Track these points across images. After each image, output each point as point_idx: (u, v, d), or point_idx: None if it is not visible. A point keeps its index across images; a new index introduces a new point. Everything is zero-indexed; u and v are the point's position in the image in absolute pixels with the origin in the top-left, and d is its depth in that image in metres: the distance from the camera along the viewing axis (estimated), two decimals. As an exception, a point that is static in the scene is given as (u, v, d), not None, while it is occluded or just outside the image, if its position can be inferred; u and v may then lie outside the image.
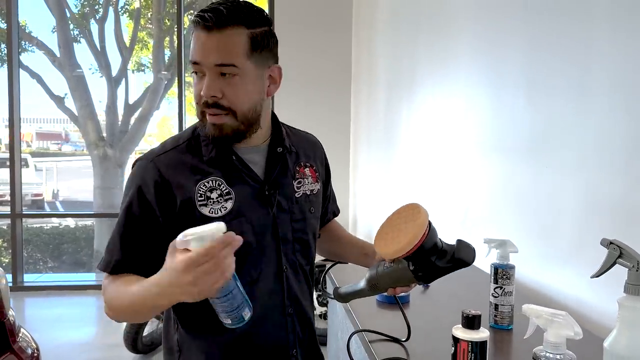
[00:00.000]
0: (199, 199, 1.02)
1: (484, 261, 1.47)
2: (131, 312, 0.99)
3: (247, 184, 1.06)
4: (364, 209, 4.34)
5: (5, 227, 6.80)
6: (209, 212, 1.02)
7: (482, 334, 0.89)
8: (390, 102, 3.56)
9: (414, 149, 3.05)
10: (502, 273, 1.34)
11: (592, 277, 0.88)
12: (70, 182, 12.60)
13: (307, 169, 1.19)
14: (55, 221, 8.44)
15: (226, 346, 1.06)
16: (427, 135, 2.81)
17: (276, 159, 1.11)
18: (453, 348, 0.87)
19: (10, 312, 2.09)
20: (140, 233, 1.03)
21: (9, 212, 4.82)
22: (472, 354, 0.88)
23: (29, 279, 5.55)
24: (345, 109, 4.83)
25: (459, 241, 1.07)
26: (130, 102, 7.12)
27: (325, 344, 1.99)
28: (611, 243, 0.86)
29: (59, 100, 6.99)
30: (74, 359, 3.45)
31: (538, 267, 1.70)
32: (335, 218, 1.39)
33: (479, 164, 2.16)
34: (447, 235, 2.48)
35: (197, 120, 1.06)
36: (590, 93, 1.46)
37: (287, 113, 4.64)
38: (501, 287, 1.38)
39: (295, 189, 1.14)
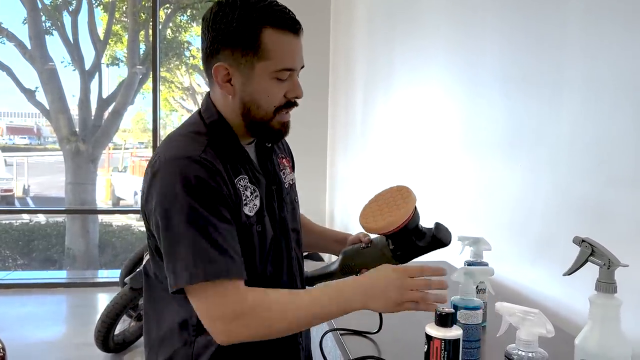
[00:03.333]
0: (243, 197, 1.01)
1: (458, 259, 1.48)
2: (308, 319, 0.97)
3: (260, 181, 1.07)
4: (340, 204, 4.34)
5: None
6: (249, 210, 1.02)
7: (455, 331, 0.89)
8: (367, 99, 3.56)
9: (389, 145, 3.05)
10: (475, 270, 1.34)
11: (564, 274, 0.89)
12: (42, 178, 12.33)
13: (284, 159, 1.22)
14: (25, 217, 8.25)
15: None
16: (403, 131, 2.82)
17: (267, 154, 1.13)
18: (426, 346, 0.86)
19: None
20: (230, 228, 0.96)
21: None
22: (445, 352, 0.87)
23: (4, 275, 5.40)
24: (322, 105, 4.82)
25: (437, 223, 1.12)
26: (104, 96, 6.99)
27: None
28: (583, 241, 0.86)
29: (29, 94, 6.82)
30: (46, 358, 3.37)
31: (511, 264, 1.72)
32: (310, 214, 1.40)
33: (454, 161, 2.17)
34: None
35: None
36: (564, 90, 1.47)
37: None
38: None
39: (283, 180, 1.16)
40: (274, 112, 1.03)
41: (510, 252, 1.72)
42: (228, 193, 0.97)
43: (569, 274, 0.88)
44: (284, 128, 1.06)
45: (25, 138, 16.69)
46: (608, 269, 0.82)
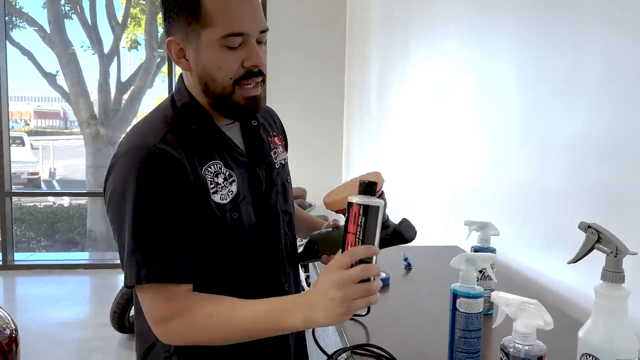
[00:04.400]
0: (210, 186, 0.95)
1: (465, 244, 1.43)
2: (243, 330, 0.88)
3: (240, 164, 1.01)
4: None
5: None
6: (220, 198, 0.95)
7: (375, 200, 0.82)
8: (382, 80, 3.48)
9: (404, 131, 2.99)
10: (482, 256, 1.29)
11: (568, 262, 0.83)
12: (68, 161, 12.55)
13: (276, 138, 1.15)
14: (51, 200, 8.41)
15: None
16: (417, 116, 2.75)
17: (253, 133, 1.06)
18: (346, 214, 0.82)
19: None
20: (179, 229, 0.90)
21: (-2, 191, 4.77)
22: (363, 218, 0.81)
23: (22, 257, 5.52)
24: (339, 87, 4.76)
25: (404, 219, 1.07)
26: (123, 79, 7.02)
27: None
28: (589, 227, 0.80)
29: (50, 78, 6.89)
30: (63, 337, 3.44)
31: (521, 250, 1.65)
32: None
33: (467, 143, 2.10)
34: (434, 217, 2.44)
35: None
36: (580, 70, 1.39)
37: (280, 96, 4.65)
38: (481, 271, 1.33)
39: (274, 160, 1.10)
40: (232, 85, 0.94)
41: (522, 238, 1.66)
42: (186, 186, 0.91)
43: (574, 262, 0.82)
44: (251, 102, 0.96)
45: (52, 122, 17.00)
46: (615, 257, 0.76)
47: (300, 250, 1.20)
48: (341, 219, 1.04)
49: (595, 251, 0.80)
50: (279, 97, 4.66)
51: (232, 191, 0.97)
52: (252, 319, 0.86)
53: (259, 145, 1.06)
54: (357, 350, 1.08)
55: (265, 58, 0.97)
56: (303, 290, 1.19)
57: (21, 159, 10.82)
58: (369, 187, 0.82)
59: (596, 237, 0.79)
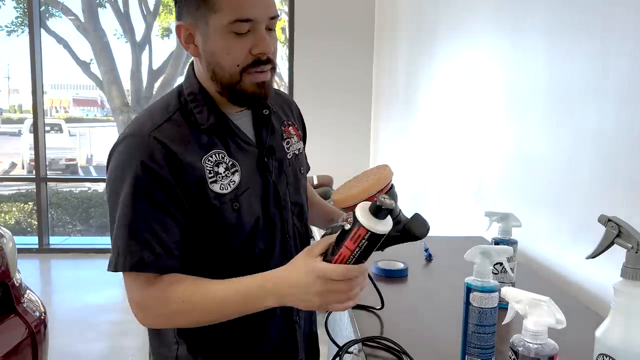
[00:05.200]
0: (209, 175, 0.93)
1: (486, 235, 1.38)
2: (217, 313, 0.88)
3: (246, 153, 0.99)
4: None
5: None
6: (220, 188, 0.94)
7: (383, 227, 0.77)
8: (411, 66, 3.42)
9: (431, 120, 2.93)
10: (503, 249, 1.24)
11: (587, 257, 0.79)
12: (105, 148, 12.86)
13: (291, 127, 1.12)
14: (87, 185, 8.63)
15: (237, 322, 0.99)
16: (444, 106, 2.68)
17: (264, 122, 1.03)
18: (349, 225, 0.77)
19: (18, 275, 2.10)
20: (165, 218, 0.89)
21: (34, 177, 4.92)
22: (366, 242, 0.77)
23: (57, 241, 5.70)
24: (367, 74, 4.71)
25: (416, 214, 1.03)
26: (154, 67, 7.12)
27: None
28: (609, 220, 0.76)
29: (84, 66, 7.04)
30: (95, 320, 3.53)
31: (547, 243, 1.60)
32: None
33: (495, 134, 2.03)
34: (460, 207, 2.38)
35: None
36: (612, 60, 1.32)
37: (309, 84, 4.63)
38: (501, 264, 1.28)
39: (286, 150, 1.07)
40: (240, 73, 0.91)
41: (549, 230, 1.60)
42: (178, 175, 0.90)
43: (592, 257, 0.78)
44: (261, 89, 0.94)
45: (90, 109, 17.43)
46: (636, 252, 0.72)
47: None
48: None
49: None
50: (309, 87, 4.64)
51: (233, 181, 0.95)
52: (225, 302, 0.86)
53: (269, 135, 1.03)
54: (369, 343, 1.06)
55: (275, 45, 0.95)
56: None
57: (59, 146, 11.14)
58: (384, 211, 0.77)
59: (616, 232, 0.74)
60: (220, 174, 0.94)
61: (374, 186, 0.97)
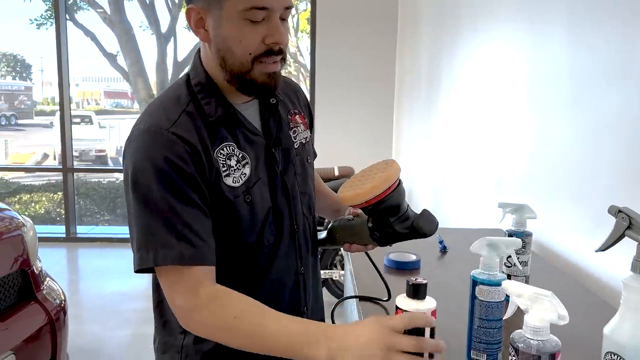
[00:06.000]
0: (223, 169, 0.92)
1: (503, 227, 1.34)
2: (253, 343, 0.82)
3: (254, 144, 0.97)
4: (405, 175, 4.20)
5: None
6: (232, 181, 0.92)
7: (427, 305, 0.78)
8: (432, 59, 3.35)
9: (453, 111, 2.87)
10: (516, 241, 1.20)
11: (596, 250, 0.75)
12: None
13: (297, 116, 1.09)
14: (115, 176, 8.80)
15: None
16: (465, 94, 2.62)
17: (271, 112, 1.01)
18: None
19: (38, 263, 2.15)
20: (197, 211, 0.87)
21: (61, 167, 5.02)
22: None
23: (84, 230, 5.82)
24: (390, 65, 4.65)
25: (425, 210, 1.00)
26: (179, 59, 7.18)
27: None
28: (620, 211, 0.71)
29: (111, 58, 7.15)
30: (119, 307, 3.60)
31: (564, 234, 1.54)
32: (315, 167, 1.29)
33: (516, 124, 1.97)
34: (479, 198, 2.33)
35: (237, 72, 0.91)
36: (636, 51, 1.25)
37: (332, 77, 4.59)
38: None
39: (293, 139, 1.05)
40: (251, 61, 0.89)
41: (566, 222, 1.54)
42: (200, 169, 0.88)
43: (602, 250, 0.74)
44: (271, 80, 0.92)
45: (119, 101, 17.76)
46: (648, 246, 0.67)
47: (322, 236, 1.17)
48: None
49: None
50: (331, 77, 4.61)
51: (244, 174, 0.94)
52: (277, 334, 0.79)
53: (276, 125, 1.01)
54: (373, 335, 1.04)
55: (287, 36, 0.93)
56: (318, 272, 1.15)
57: (89, 137, 11.38)
58: (417, 290, 0.76)
59: (627, 223, 0.70)
60: (232, 166, 0.93)
61: (382, 184, 0.94)
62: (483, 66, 2.37)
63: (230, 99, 0.95)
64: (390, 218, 0.97)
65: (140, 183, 0.87)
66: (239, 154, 0.94)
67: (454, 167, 2.80)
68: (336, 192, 1.04)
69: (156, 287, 1.03)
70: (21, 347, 1.87)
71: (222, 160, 0.91)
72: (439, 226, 1.02)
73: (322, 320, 1.15)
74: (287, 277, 1.02)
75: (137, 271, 0.89)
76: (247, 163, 0.94)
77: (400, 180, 0.97)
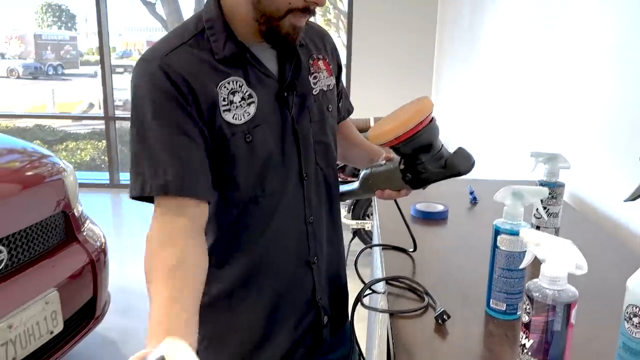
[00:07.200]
0: (222, 103, 0.90)
1: (531, 177, 1.29)
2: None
3: (265, 85, 0.94)
4: (442, 126, 4.11)
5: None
6: (233, 118, 0.90)
7: None
8: (474, 9, 3.20)
9: (492, 58, 2.75)
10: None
11: (625, 200, 0.71)
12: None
13: (321, 61, 1.05)
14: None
15: (249, 259, 0.99)
16: (505, 43, 2.50)
17: (288, 55, 0.98)
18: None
19: (78, 207, 2.24)
20: (188, 142, 0.86)
21: (103, 115, 5.15)
22: None
23: (127, 177, 6.00)
24: (430, 27, 4.47)
25: (460, 148, 0.95)
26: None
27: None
28: (652, 159, 0.67)
29: (150, 7, 7.14)
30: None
31: (599, 186, 1.47)
32: (350, 118, 1.25)
33: (553, 71, 1.87)
34: (515, 150, 2.25)
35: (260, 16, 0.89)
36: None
37: (370, 26, 4.45)
38: (545, 207, 1.20)
39: (312, 85, 1.02)
40: (286, 11, 0.87)
41: (602, 174, 1.47)
42: (191, 101, 0.87)
43: (631, 200, 0.70)
44: (294, 33, 0.90)
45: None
46: (679, 195, 0.63)
47: (354, 185, 1.15)
48: None
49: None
50: (369, 25, 4.47)
51: (248, 113, 0.91)
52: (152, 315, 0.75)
53: (293, 69, 0.98)
54: (393, 282, 1.04)
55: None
56: (336, 224, 1.13)
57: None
58: None
59: (660, 172, 0.65)
60: (235, 103, 0.90)
61: (413, 119, 0.89)
62: (523, 12, 2.24)
63: (244, 39, 0.93)
64: (422, 157, 0.93)
65: (133, 110, 0.88)
66: (246, 91, 0.92)
67: (491, 118, 2.71)
68: None
69: None
70: (64, 285, 1.98)
71: (224, 94, 0.90)
72: (475, 164, 0.97)
73: (340, 270, 1.15)
74: (293, 225, 1.00)
75: (132, 198, 0.89)
76: (252, 102, 0.92)
77: (433, 118, 0.93)
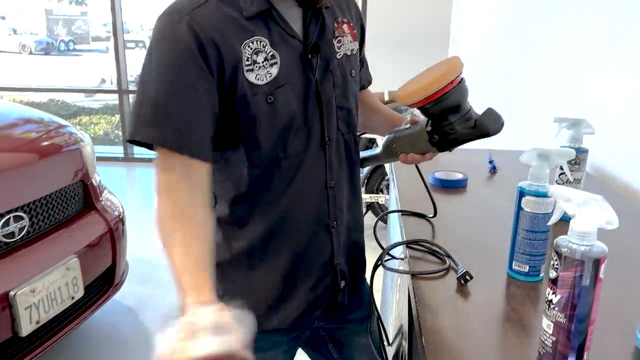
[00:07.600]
0: (246, 63, 0.88)
1: (553, 143, 1.28)
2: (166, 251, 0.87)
3: (289, 46, 0.93)
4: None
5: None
6: (255, 78, 0.89)
7: None
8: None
9: (513, 24, 2.69)
10: (570, 157, 1.15)
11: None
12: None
13: (345, 25, 1.03)
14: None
15: (270, 220, 0.99)
16: (531, 2, 2.44)
17: (314, 16, 0.96)
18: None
19: (96, 177, 2.26)
20: (198, 98, 0.85)
21: (116, 89, 5.15)
22: None
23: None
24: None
25: (489, 109, 0.92)
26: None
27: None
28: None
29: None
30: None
31: (623, 153, 1.45)
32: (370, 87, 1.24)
33: (579, 36, 1.83)
34: (540, 118, 2.22)
35: None
36: None
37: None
38: (563, 170, 1.19)
39: (336, 49, 1.00)
40: None
41: (629, 142, 1.45)
42: (212, 59, 0.85)
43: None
44: None
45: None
46: None
47: (377, 150, 1.13)
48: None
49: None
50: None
51: (270, 74, 0.90)
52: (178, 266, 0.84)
53: (317, 30, 0.96)
54: (413, 246, 1.04)
55: None
56: (356, 191, 1.12)
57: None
58: None
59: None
60: (258, 63, 0.89)
61: (444, 77, 0.87)
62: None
63: None
64: (451, 117, 0.91)
65: (148, 60, 0.87)
66: (270, 51, 0.90)
67: (512, 84, 2.67)
68: None
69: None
70: (84, 253, 2.01)
71: (248, 54, 0.88)
72: (504, 125, 0.94)
73: (358, 236, 1.14)
74: (313, 188, 1.00)
75: (129, 142, 0.89)
76: (275, 63, 0.91)
77: (463, 79, 0.91)
